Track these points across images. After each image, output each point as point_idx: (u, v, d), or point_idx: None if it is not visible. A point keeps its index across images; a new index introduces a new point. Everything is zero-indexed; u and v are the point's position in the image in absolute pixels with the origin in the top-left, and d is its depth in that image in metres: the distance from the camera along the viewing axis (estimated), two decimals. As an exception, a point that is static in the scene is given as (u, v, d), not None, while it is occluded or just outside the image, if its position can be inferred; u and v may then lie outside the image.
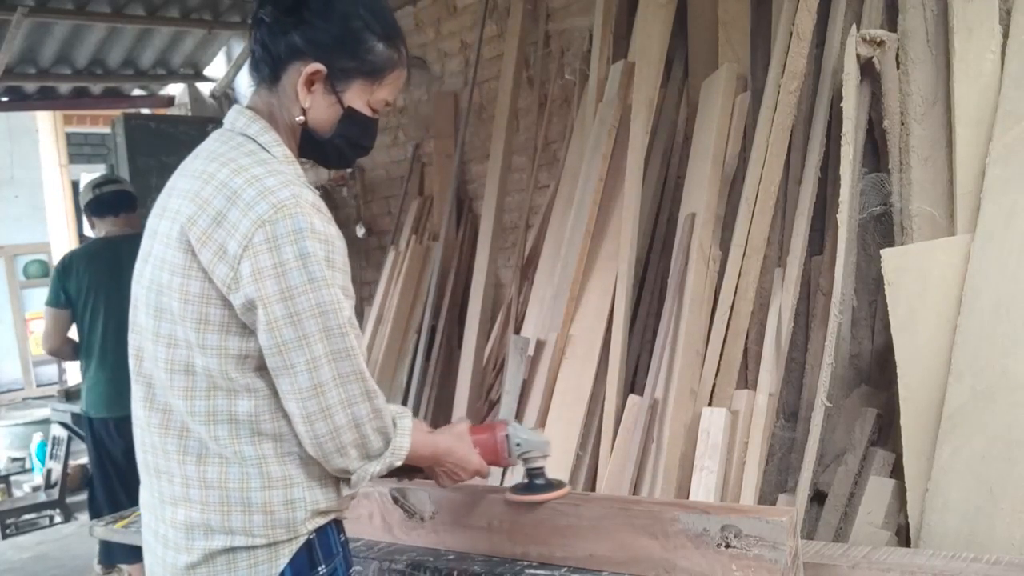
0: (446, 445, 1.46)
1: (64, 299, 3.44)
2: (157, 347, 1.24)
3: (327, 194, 5.07)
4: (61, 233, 8.63)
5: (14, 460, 6.58)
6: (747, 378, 2.54)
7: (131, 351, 1.32)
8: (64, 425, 5.14)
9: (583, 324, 2.97)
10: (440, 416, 3.98)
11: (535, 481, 1.60)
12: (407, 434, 1.32)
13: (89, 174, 7.04)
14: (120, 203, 3.57)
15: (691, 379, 2.55)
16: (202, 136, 1.35)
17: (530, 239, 3.91)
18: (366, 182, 5.15)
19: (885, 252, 2.09)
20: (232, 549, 1.23)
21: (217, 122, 1.37)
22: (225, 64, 6.07)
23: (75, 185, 8.45)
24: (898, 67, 2.23)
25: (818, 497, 2.22)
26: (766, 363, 2.43)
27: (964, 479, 1.86)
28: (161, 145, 5.43)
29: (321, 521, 1.29)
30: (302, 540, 1.26)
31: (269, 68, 1.29)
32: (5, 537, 5.20)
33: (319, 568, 1.28)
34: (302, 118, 1.29)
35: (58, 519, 5.40)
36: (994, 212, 1.94)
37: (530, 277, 3.76)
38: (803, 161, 2.47)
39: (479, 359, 3.83)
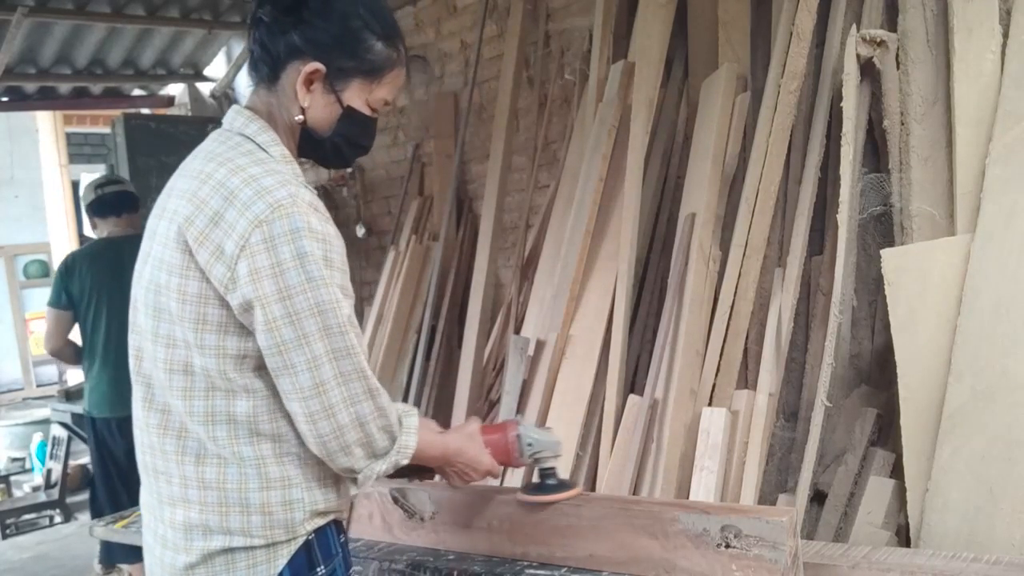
0: (457, 445, 1.46)
1: (66, 300, 3.44)
2: (156, 347, 1.24)
3: (327, 194, 5.07)
4: (61, 233, 8.63)
5: (14, 460, 6.58)
6: (747, 378, 2.54)
7: (131, 351, 1.32)
8: (64, 425, 5.14)
9: (583, 324, 2.97)
10: (440, 416, 3.98)
11: (547, 481, 1.59)
12: (413, 432, 1.31)
13: (89, 174, 7.05)
14: (122, 203, 3.57)
15: (691, 379, 2.55)
16: (202, 136, 1.35)
17: (530, 239, 3.91)
18: (366, 182, 5.15)
19: (885, 252, 2.09)
20: (230, 550, 1.23)
21: (217, 122, 1.37)
22: (225, 64, 6.07)
23: (75, 185, 8.46)
24: (898, 67, 2.23)
25: (818, 497, 2.22)
26: (766, 363, 2.43)
27: (964, 479, 1.86)
28: (161, 145, 5.43)
29: (320, 522, 1.29)
30: (301, 541, 1.26)
31: (268, 68, 1.29)
32: (5, 537, 5.20)
33: (318, 569, 1.28)
34: (301, 117, 1.29)
35: (58, 519, 5.40)
36: (994, 212, 1.94)
37: (530, 277, 3.76)
38: (803, 161, 2.47)
39: (479, 359, 3.83)
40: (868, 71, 2.28)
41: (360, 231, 5.04)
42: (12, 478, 6.17)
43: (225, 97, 6.08)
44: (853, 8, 2.40)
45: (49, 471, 5.68)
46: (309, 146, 1.34)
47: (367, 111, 1.33)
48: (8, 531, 5.25)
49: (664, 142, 3.02)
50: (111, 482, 3.46)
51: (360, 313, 4.77)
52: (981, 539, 1.82)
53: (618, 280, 2.87)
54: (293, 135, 1.32)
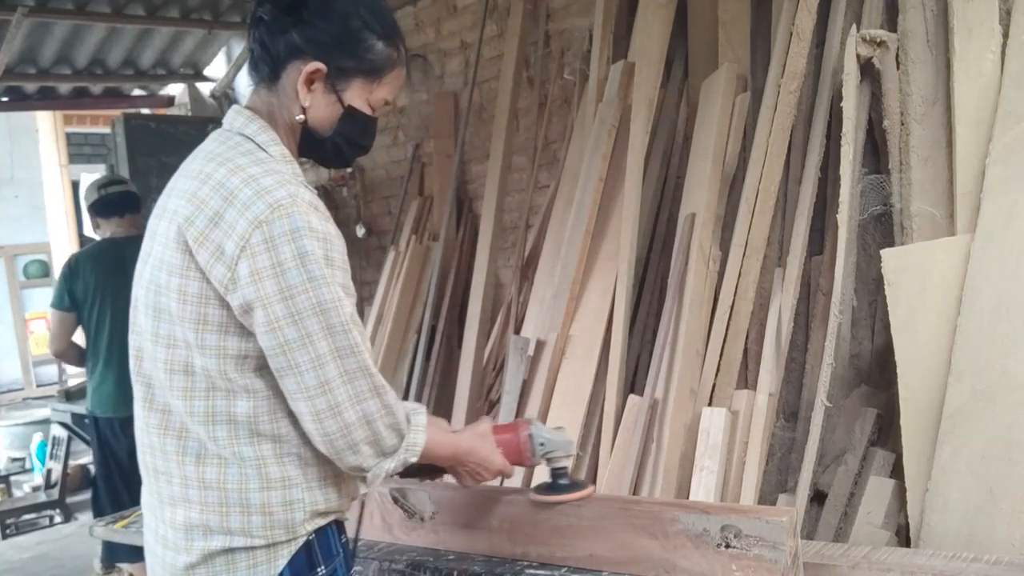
0: (468, 445, 1.46)
1: (68, 301, 3.44)
2: (156, 348, 1.24)
3: (327, 194, 5.07)
4: (61, 233, 8.63)
5: (14, 460, 6.57)
6: (747, 378, 2.54)
7: (131, 351, 1.32)
8: (64, 425, 5.14)
9: (583, 324, 2.97)
10: (440, 417, 3.97)
11: (559, 481, 1.59)
12: (421, 430, 1.31)
13: (89, 174, 7.05)
14: (125, 204, 3.57)
15: (691, 379, 2.55)
16: (202, 136, 1.35)
17: (530, 239, 3.91)
18: (366, 182, 5.15)
19: (885, 252, 2.09)
20: (231, 550, 1.23)
21: (217, 122, 1.37)
22: (225, 64, 6.07)
23: (75, 185, 8.45)
24: (898, 67, 2.23)
25: (818, 497, 2.22)
26: (766, 363, 2.43)
27: (964, 479, 1.86)
28: (161, 145, 5.43)
29: (321, 522, 1.29)
30: (301, 541, 1.26)
31: (268, 67, 1.29)
32: (5, 537, 5.20)
33: (318, 569, 1.28)
34: (302, 117, 1.29)
35: (58, 519, 5.40)
36: (994, 212, 1.94)
37: (530, 277, 3.76)
38: (803, 161, 2.47)
39: (479, 359, 3.83)
40: (868, 71, 2.28)
41: (360, 231, 5.04)
42: (12, 478, 6.17)
43: (225, 97, 6.08)
44: (853, 8, 2.40)
45: (49, 471, 5.68)
46: (310, 146, 1.34)
47: (368, 111, 1.33)
48: (8, 531, 5.25)
49: (664, 142, 3.02)
50: (112, 482, 3.46)
51: (360, 313, 4.72)
52: (981, 539, 1.82)
53: (618, 280, 2.87)
54: (294, 135, 1.31)
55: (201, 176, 1.22)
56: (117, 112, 5.85)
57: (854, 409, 2.28)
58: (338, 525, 1.35)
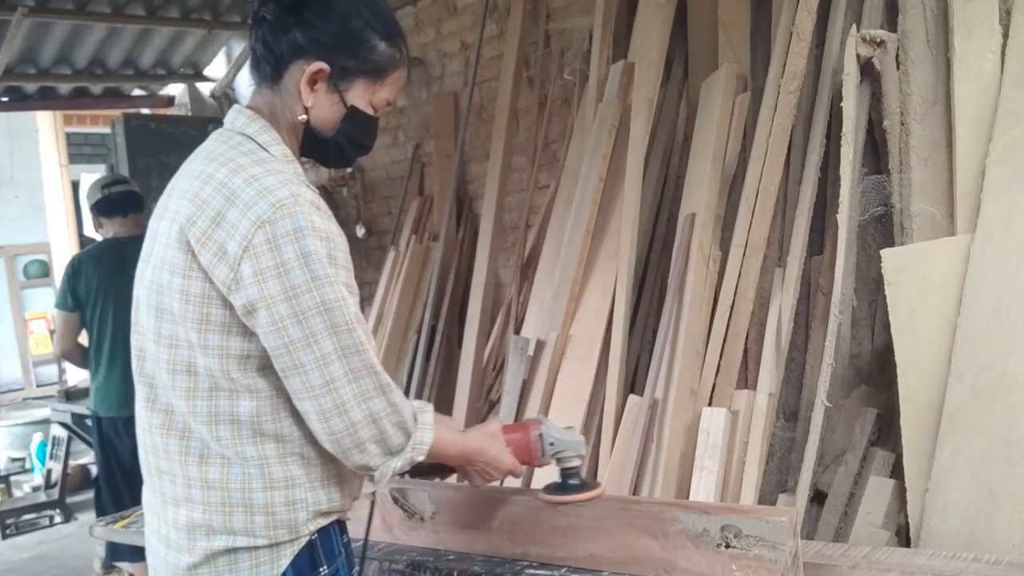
0: (478, 444, 1.45)
1: (72, 302, 3.44)
2: (159, 348, 1.24)
3: (327, 194, 5.07)
4: (61, 233, 8.63)
5: (14, 460, 6.57)
6: (747, 378, 2.54)
7: (133, 352, 1.32)
8: (64, 425, 5.14)
9: (583, 324, 2.97)
10: (440, 416, 3.97)
11: (569, 481, 1.58)
12: (428, 428, 1.31)
13: (89, 174, 7.04)
14: (129, 204, 3.58)
15: (691, 379, 2.55)
16: (202, 136, 1.35)
17: (530, 239, 3.91)
18: (366, 182, 5.15)
19: (885, 252, 2.09)
20: (234, 550, 1.23)
21: (217, 122, 1.37)
22: (225, 64, 6.07)
23: (75, 185, 8.45)
24: (898, 67, 2.23)
25: (818, 497, 2.22)
26: (766, 363, 2.43)
27: (964, 479, 1.86)
28: (161, 145, 5.43)
29: (323, 522, 1.29)
30: (304, 541, 1.26)
31: (271, 67, 1.29)
32: (5, 537, 5.20)
33: (321, 569, 1.28)
34: (305, 117, 1.29)
35: (58, 519, 5.40)
36: (994, 212, 1.94)
37: (530, 277, 3.76)
38: (803, 161, 2.48)
39: (479, 359, 3.83)
40: (868, 71, 2.28)
41: (360, 231, 5.04)
42: (12, 478, 6.17)
43: (225, 97, 6.08)
44: (853, 8, 2.40)
45: (49, 471, 5.68)
46: (311, 146, 1.34)
47: (370, 111, 1.33)
48: (8, 531, 5.25)
49: (664, 142, 3.03)
50: (114, 482, 3.46)
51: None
52: (981, 539, 1.82)
53: (618, 280, 2.87)
54: (296, 134, 1.31)
55: (203, 176, 1.22)
56: (117, 112, 5.85)
57: (854, 409, 2.28)
58: (340, 525, 1.35)
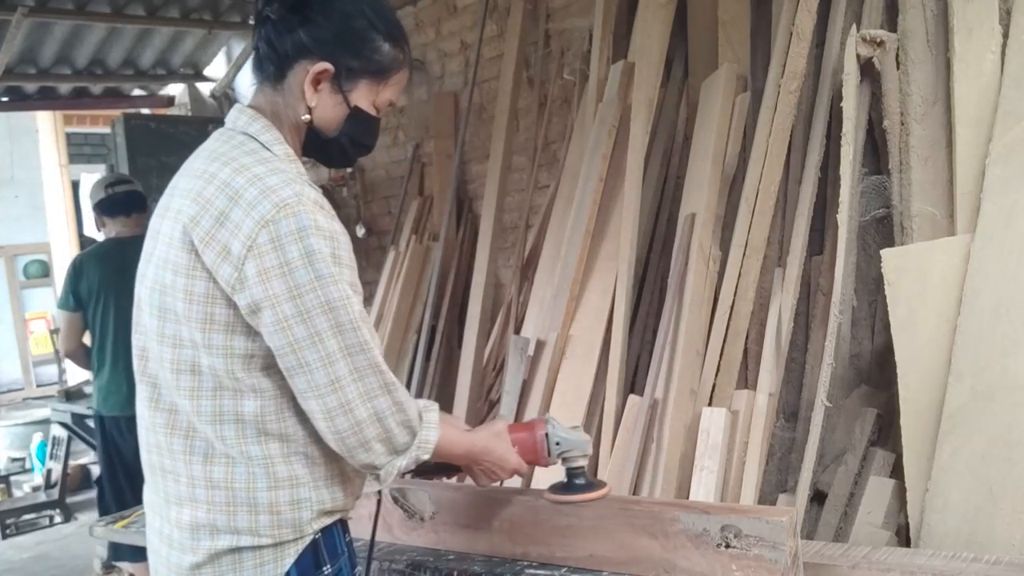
0: (483, 444, 1.45)
1: (74, 302, 3.44)
2: (162, 347, 1.24)
3: (327, 194, 5.04)
4: (61, 233, 8.63)
5: (14, 460, 6.57)
6: (747, 378, 2.54)
7: (135, 351, 1.32)
8: (64, 425, 5.14)
9: (583, 324, 2.97)
10: (440, 416, 3.97)
11: (575, 481, 1.56)
12: (434, 427, 1.30)
13: (89, 174, 7.05)
14: (132, 203, 3.58)
15: (691, 379, 2.55)
16: (202, 136, 1.35)
17: (530, 239, 3.91)
18: (366, 182, 5.15)
19: (885, 252, 2.09)
20: (238, 549, 1.23)
21: (217, 122, 1.37)
22: (225, 64, 6.07)
23: (75, 185, 8.45)
24: (898, 67, 2.23)
25: (818, 497, 2.22)
26: (766, 363, 2.43)
27: (964, 479, 1.86)
28: (161, 145, 5.43)
29: (327, 521, 1.29)
30: (308, 540, 1.26)
31: (275, 66, 1.29)
32: (5, 537, 5.20)
33: (324, 568, 1.28)
34: (308, 117, 1.29)
35: (58, 519, 5.40)
36: (994, 212, 1.94)
37: (530, 277, 3.76)
38: (803, 161, 2.48)
39: (479, 359, 3.83)
40: (868, 71, 2.28)
41: (360, 231, 5.04)
42: (12, 478, 6.17)
43: (225, 97, 6.08)
44: (853, 8, 2.40)
45: (49, 471, 5.68)
46: (314, 146, 1.34)
47: (373, 112, 1.33)
48: (8, 531, 5.25)
49: (664, 142, 3.03)
50: (118, 481, 3.46)
51: (360, 313, 4.76)
52: (981, 539, 1.82)
53: (618, 280, 2.87)
54: (298, 134, 1.31)
55: (205, 175, 1.22)
56: (117, 112, 5.84)
57: (854, 409, 2.29)
58: (343, 524, 1.35)
